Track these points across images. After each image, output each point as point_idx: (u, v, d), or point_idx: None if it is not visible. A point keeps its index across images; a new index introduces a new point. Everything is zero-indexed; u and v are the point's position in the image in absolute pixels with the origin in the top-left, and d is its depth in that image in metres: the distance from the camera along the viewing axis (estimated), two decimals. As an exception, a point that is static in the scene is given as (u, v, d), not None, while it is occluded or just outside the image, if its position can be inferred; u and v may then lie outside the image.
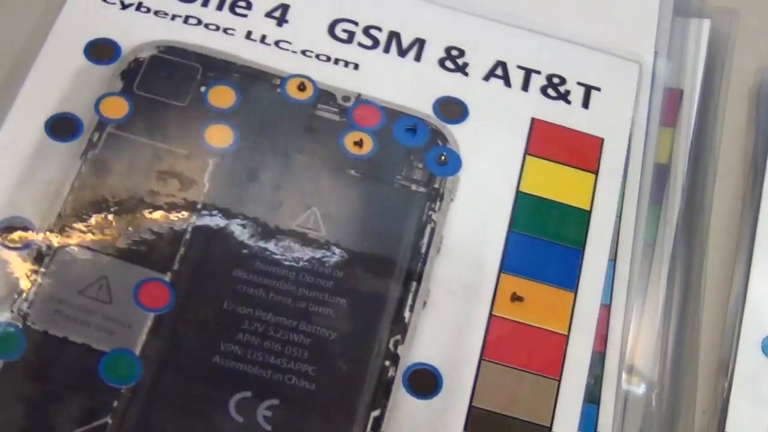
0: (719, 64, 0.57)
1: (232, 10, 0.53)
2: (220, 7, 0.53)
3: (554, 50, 0.54)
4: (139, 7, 0.53)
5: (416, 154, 0.50)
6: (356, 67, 0.52)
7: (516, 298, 0.48)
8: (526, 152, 0.51)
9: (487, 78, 0.53)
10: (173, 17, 0.53)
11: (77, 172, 0.48)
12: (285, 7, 0.54)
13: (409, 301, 0.47)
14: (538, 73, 0.53)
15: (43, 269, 0.46)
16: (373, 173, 0.50)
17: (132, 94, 0.50)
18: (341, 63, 0.52)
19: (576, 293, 0.49)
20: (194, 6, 0.53)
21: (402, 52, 0.53)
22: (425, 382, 0.46)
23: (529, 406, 0.47)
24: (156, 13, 0.53)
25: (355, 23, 0.54)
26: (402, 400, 0.46)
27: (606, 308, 0.49)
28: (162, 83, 0.50)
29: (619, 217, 0.51)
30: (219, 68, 0.51)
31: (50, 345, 0.45)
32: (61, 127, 0.49)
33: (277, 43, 0.53)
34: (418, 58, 0.53)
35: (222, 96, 0.51)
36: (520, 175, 0.51)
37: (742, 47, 0.57)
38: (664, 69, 0.55)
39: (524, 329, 0.48)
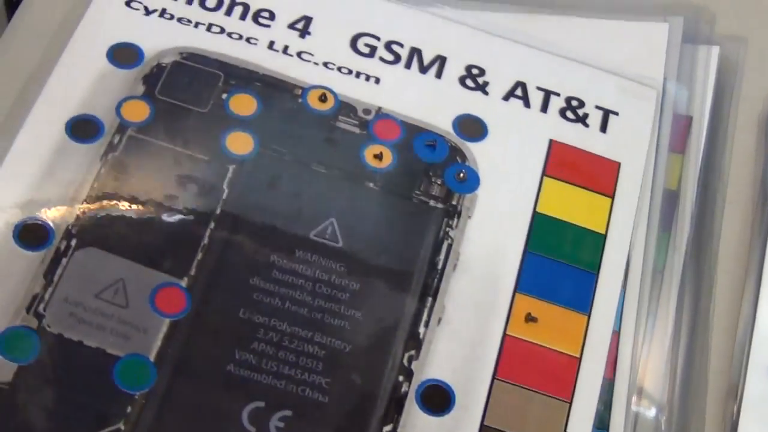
0: (728, 90, 0.57)
1: (255, 20, 0.53)
2: (243, 17, 0.53)
3: (573, 73, 0.54)
4: (162, 13, 0.53)
5: (435, 170, 0.50)
6: (377, 81, 0.52)
7: (530, 318, 0.48)
8: (544, 173, 0.51)
9: (506, 98, 0.53)
10: (196, 24, 0.53)
11: (96, 174, 0.48)
12: (308, 20, 0.54)
13: (425, 317, 0.47)
14: (558, 95, 0.54)
15: (59, 271, 0.46)
16: (391, 187, 0.50)
17: (153, 98, 0.50)
18: (362, 76, 0.52)
19: (589, 317, 0.49)
20: (217, 14, 0.53)
21: (423, 69, 0.53)
22: (438, 399, 0.46)
23: (540, 428, 0.47)
24: (179, 20, 0.53)
25: (377, 38, 0.54)
26: (414, 417, 0.46)
27: (615, 334, 0.49)
28: (184, 89, 0.50)
29: (630, 243, 0.51)
30: (241, 76, 0.51)
31: (65, 348, 0.44)
32: (82, 128, 0.49)
33: (299, 54, 0.53)
34: (438, 75, 0.53)
35: (243, 104, 0.50)
36: (537, 196, 0.51)
37: (750, 74, 0.58)
38: (673, 96, 0.55)
39: (537, 350, 0.48)
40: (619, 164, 0.52)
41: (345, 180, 0.49)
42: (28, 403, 0.43)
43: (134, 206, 0.47)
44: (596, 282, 0.49)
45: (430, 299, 0.47)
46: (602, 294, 0.49)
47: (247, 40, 0.53)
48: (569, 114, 0.53)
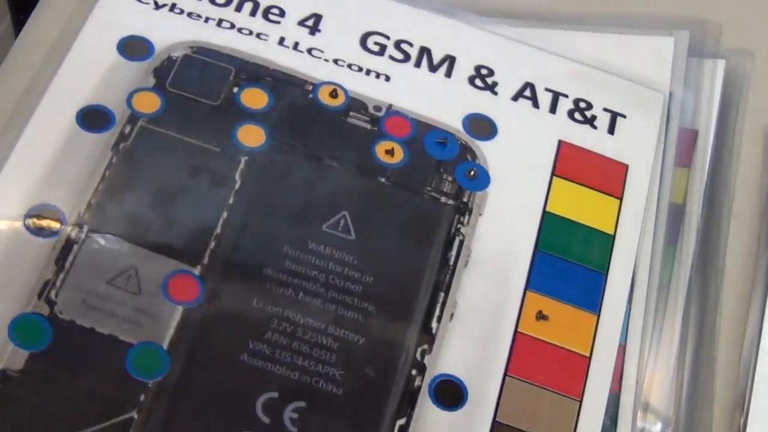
0: (734, 104, 0.57)
1: (265, 16, 0.53)
2: (253, 13, 0.53)
3: (581, 76, 0.54)
4: (172, 8, 0.52)
5: (446, 167, 0.50)
6: (387, 78, 0.52)
7: (541, 316, 0.48)
8: (554, 173, 0.51)
9: (515, 98, 0.53)
10: (206, 19, 0.52)
11: (108, 163, 0.47)
12: (318, 17, 0.54)
13: (437, 312, 0.47)
14: (566, 96, 0.54)
15: (71, 257, 0.45)
16: (403, 183, 0.49)
17: (164, 90, 0.50)
18: (372, 74, 0.52)
19: (599, 316, 0.48)
20: (227, 10, 0.53)
21: (432, 68, 0.53)
22: (451, 393, 0.46)
23: (551, 425, 0.46)
24: (189, 14, 0.52)
25: (387, 37, 0.54)
26: (427, 411, 0.45)
27: (621, 347, 0.49)
28: (194, 82, 0.50)
29: (638, 245, 0.51)
30: (251, 71, 0.51)
31: (77, 335, 0.44)
32: (93, 118, 0.49)
33: (309, 51, 0.52)
34: (448, 74, 0.53)
35: (254, 97, 0.50)
36: (547, 196, 0.51)
37: (757, 87, 0.57)
38: (679, 110, 0.55)
39: (548, 348, 0.48)
40: (627, 166, 0.52)
41: (357, 174, 0.49)
42: (39, 390, 0.42)
43: (146, 195, 0.47)
44: (605, 282, 0.49)
45: (442, 294, 0.47)
46: (611, 294, 0.49)
47: (257, 35, 0.52)
48: (577, 115, 0.53)
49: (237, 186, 0.48)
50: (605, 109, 0.54)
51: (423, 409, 0.45)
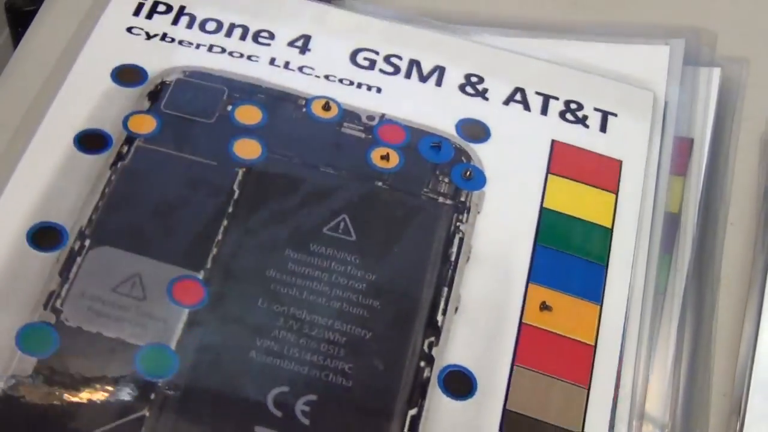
0: (729, 112, 0.57)
1: (255, 40, 0.54)
2: (243, 38, 0.54)
3: (570, 79, 0.55)
4: (163, 37, 0.54)
5: (442, 169, 0.51)
6: (379, 90, 0.53)
7: (545, 307, 0.48)
8: (548, 171, 0.52)
9: (507, 102, 0.54)
10: (197, 46, 0.53)
11: (107, 181, 0.48)
12: (307, 38, 0.55)
13: (442, 306, 0.47)
14: (556, 99, 0.54)
15: (74, 269, 0.45)
16: (400, 185, 0.50)
17: (160, 112, 0.51)
18: (364, 87, 0.53)
19: (601, 306, 0.49)
20: (218, 36, 0.54)
21: (423, 78, 0.54)
22: (460, 383, 0.46)
23: (560, 412, 0.46)
24: (180, 42, 0.53)
25: (376, 52, 0.55)
26: (438, 401, 0.45)
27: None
28: (189, 102, 0.51)
29: (631, 266, 0.51)
30: (244, 89, 0.52)
31: (84, 340, 0.44)
32: (90, 141, 0.50)
33: (300, 69, 0.53)
34: (438, 83, 0.54)
35: (249, 114, 0.51)
36: (543, 193, 0.51)
37: (752, 95, 0.58)
38: (674, 118, 0.55)
39: (554, 338, 0.48)
40: (620, 162, 0.53)
41: (354, 179, 0.50)
42: (49, 393, 0.42)
43: (146, 207, 0.47)
44: (606, 273, 0.49)
45: (445, 289, 0.47)
46: (612, 284, 0.49)
47: (248, 57, 0.53)
48: (569, 116, 0.54)
49: (236, 196, 0.48)
50: (596, 109, 0.54)
51: (434, 399, 0.45)
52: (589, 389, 0.46)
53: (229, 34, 0.54)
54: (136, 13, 0.54)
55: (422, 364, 0.46)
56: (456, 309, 0.47)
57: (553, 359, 0.47)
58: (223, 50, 0.54)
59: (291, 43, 0.54)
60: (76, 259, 0.46)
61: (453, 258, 0.48)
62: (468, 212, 0.50)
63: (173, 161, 0.49)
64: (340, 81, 0.53)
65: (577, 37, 0.58)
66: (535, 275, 0.49)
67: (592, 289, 0.49)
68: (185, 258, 0.46)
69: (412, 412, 0.44)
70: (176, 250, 0.46)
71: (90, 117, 0.50)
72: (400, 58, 0.55)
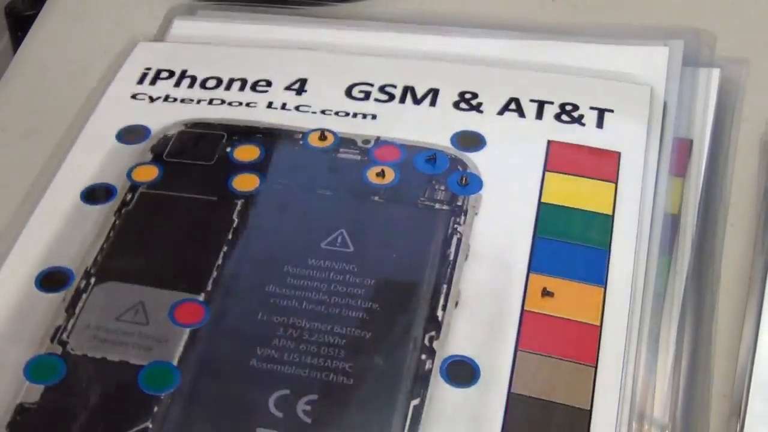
0: (729, 113, 0.56)
1: (253, 89, 0.57)
2: (242, 89, 0.57)
3: (564, 83, 0.56)
4: (166, 98, 0.56)
5: (438, 179, 0.52)
6: (374, 117, 0.55)
7: (546, 293, 0.48)
8: (545, 169, 0.52)
9: (501, 112, 0.55)
10: (198, 101, 0.56)
11: (112, 225, 0.50)
12: (303, 81, 0.57)
13: (441, 302, 0.47)
14: (551, 103, 0.55)
15: (80, 304, 0.47)
16: (396, 197, 0.51)
17: (162, 161, 0.53)
18: (359, 116, 0.55)
19: (606, 288, 0.48)
20: (218, 91, 0.57)
21: (417, 101, 0.55)
22: (462, 372, 0.46)
23: (567, 391, 0.45)
24: (182, 101, 0.56)
25: (371, 84, 0.56)
26: (441, 390, 0.45)
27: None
28: (190, 150, 0.53)
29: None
30: (242, 132, 0.54)
31: (89, 365, 0.45)
32: (96, 194, 0.52)
33: (297, 108, 0.55)
34: (433, 104, 0.55)
35: (247, 152, 0.53)
36: (541, 189, 0.52)
37: (751, 96, 0.57)
38: (673, 119, 0.55)
39: (557, 321, 0.47)
40: (619, 153, 0.53)
41: (351, 198, 0.51)
42: (56, 417, 0.44)
43: (148, 243, 0.49)
44: (608, 256, 0.49)
45: (444, 286, 0.48)
46: (616, 266, 0.49)
47: (247, 104, 0.56)
48: (564, 117, 0.54)
49: (235, 225, 0.50)
50: (592, 108, 0.55)
51: (436, 388, 0.45)
52: (596, 367, 0.46)
53: (228, 87, 0.57)
54: (141, 81, 0.57)
55: (423, 357, 0.46)
56: (456, 303, 0.48)
57: (558, 342, 0.47)
58: (223, 102, 0.56)
59: (288, 87, 0.56)
60: (82, 296, 0.48)
61: (451, 257, 0.49)
62: (465, 215, 0.50)
63: (175, 201, 0.51)
64: (336, 113, 0.55)
65: (576, 38, 0.58)
66: (535, 265, 0.49)
67: (596, 273, 0.49)
68: (186, 284, 0.48)
69: (415, 402, 0.45)
70: (178, 278, 0.48)
71: (96, 174, 0.53)
72: (394, 86, 0.56)
